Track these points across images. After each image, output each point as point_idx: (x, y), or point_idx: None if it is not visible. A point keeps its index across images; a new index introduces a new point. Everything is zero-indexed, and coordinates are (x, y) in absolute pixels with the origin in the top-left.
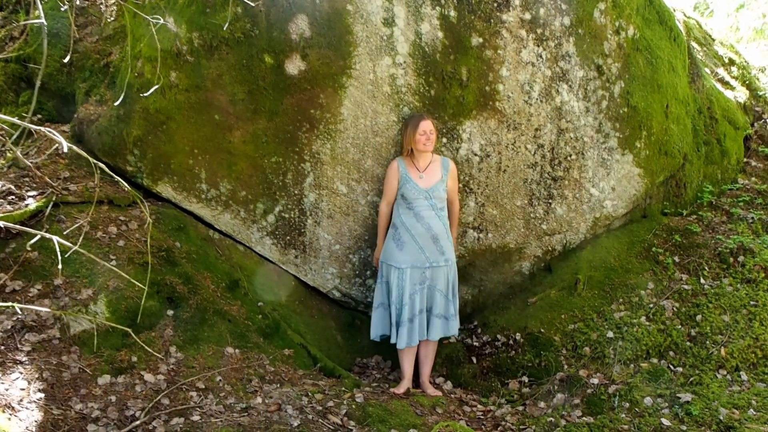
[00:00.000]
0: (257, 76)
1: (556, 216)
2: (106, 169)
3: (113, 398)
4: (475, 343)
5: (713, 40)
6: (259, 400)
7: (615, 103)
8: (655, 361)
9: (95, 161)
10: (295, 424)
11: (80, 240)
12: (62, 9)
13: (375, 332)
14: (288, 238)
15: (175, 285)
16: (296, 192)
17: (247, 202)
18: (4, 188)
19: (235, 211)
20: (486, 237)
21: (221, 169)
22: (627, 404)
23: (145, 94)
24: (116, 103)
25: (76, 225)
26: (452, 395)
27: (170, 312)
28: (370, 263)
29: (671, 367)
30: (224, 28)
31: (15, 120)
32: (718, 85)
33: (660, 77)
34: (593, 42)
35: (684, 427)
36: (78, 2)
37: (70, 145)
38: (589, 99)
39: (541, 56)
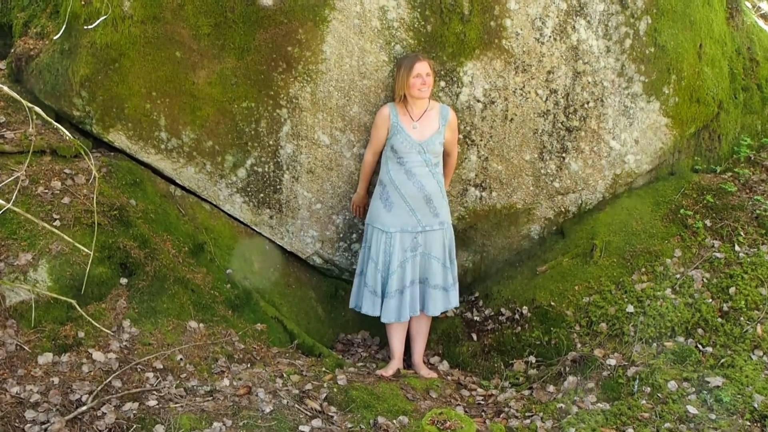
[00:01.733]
0: (225, 7)
1: (570, 172)
2: (42, 114)
3: (56, 380)
4: (475, 318)
5: None
6: (226, 382)
7: (640, 42)
8: (681, 339)
9: (29, 105)
10: (267, 410)
11: (15, 196)
12: None
13: (354, 301)
14: (261, 195)
15: (129, 249)
16: (271, 142)
17: (213, 153)
18: None
19: (200, 164)
20: (489, 196)
21: (183, 114)
22: (648, 389)
23: (91, 26)
24: (57, 37)
25: (12, 178)
26: (449, 377)
27: (123, 280)
28: (357, 225)
29: (699, 346)
30: None
31: None
32: (761, 22)
33: (693, 12)
34: None
35: (713, 416)
36: None
37: (1, 85)
38: (610, 37)
39: None
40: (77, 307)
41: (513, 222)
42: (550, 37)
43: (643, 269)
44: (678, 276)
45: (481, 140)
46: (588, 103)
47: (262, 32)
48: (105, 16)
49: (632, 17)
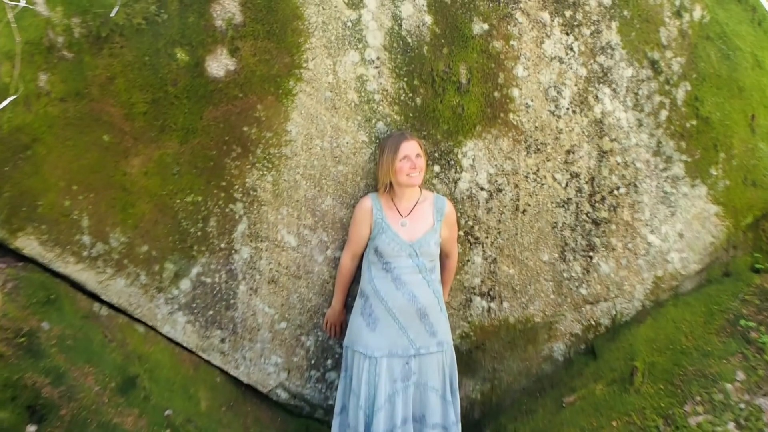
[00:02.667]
0: (166, 79)
1: (600, 275)
2: None
3: None
4: None
5: None
6: None
7: (678, 113)
8: None
9: None
10: None
11: None
12: None
13: None
14: (211, 313)
15: (39, 387)
16: (223, 245)
17: (150, 260)
18: None
19: (132, 275)
20: (500, 307)
21: (112, 213)
22: None
23: None
24: None
25: None
26: None
27: (32, 429)
28: (332, 348)
29: None
30: (115, 12)
31: None
32: None
33: (741, 76)
34: (645, 28)
35: None
36: None
37: None
38: (641, 108)
39: (572, 48)
40: None
41: (530, 340)
42: (568, 109)
43: (698, 398)
44: (742, 406)
45: (487, 237)
46: (618, 188)
47: (211, 109)
48: (15, 96)
49: (667, 84)
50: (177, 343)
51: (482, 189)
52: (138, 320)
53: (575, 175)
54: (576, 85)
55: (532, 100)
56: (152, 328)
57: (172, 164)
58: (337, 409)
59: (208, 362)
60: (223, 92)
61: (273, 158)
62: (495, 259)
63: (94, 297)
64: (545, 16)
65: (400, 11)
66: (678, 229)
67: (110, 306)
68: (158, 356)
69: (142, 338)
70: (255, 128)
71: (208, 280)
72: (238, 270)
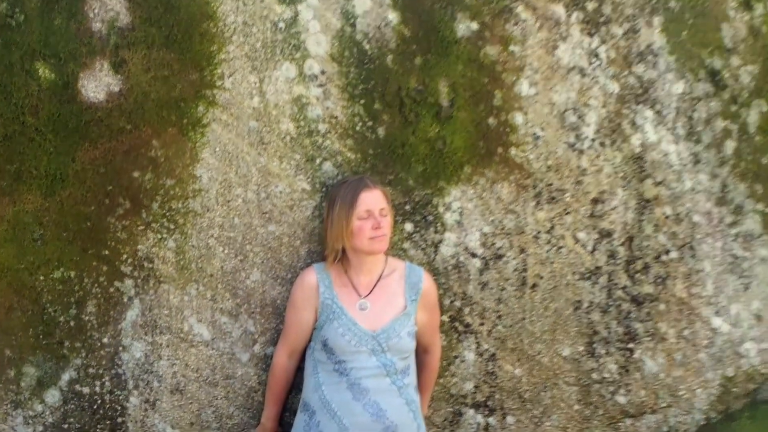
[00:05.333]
0: (22, 107)
1: (645, 377)
2: None
3: None
4: None
5: None
6: None
7: (751, 143)
8: None
9: None
10: None
11: None
12: None
13: None
14: None
15: None
16: (106, 341)
17: (2, 364)
18: None
19: None
20: (502, 424)
21: None
22: None
23: None
24: None
25: None
26: None
27: None
28: None
29: None
30: None
31: None
32: None
33: None
34: (701, 25)
35: None
36: None
37: None
38: (698, 138)
39: (597, 55)
40: None
41: None
42: (593, 140)
43: None
44: None
45: (483, 324)
46: (668, 252)
47: (87, 148)
48: None
49: (734, 103)
50: None
51: (474, 256)
52: None
53: (606, 234)
54: (605, 106)
55: (542, 129)
56: None
57: (33, 226)
58: None
59: None
60: (103, 123)
61: (176, 216)
62: (494, 354)
63: None
64: (558, 9)
65: (353, 6)
66: (754, 308)
67: None
68: None
69: None
70: (150, 173)
71: (86, 389)
72: (127, 375)
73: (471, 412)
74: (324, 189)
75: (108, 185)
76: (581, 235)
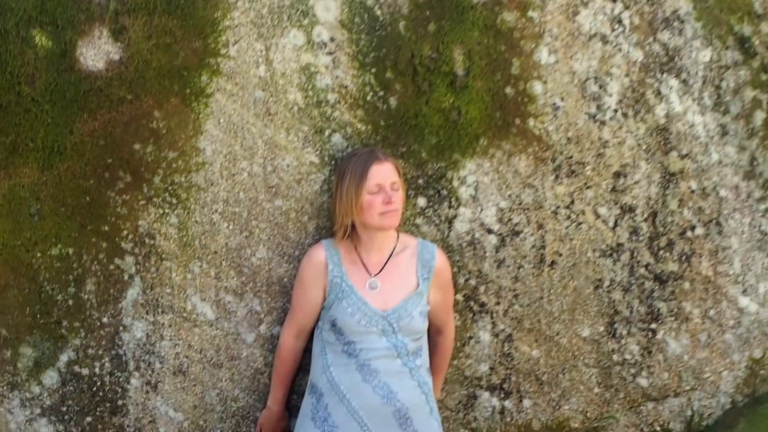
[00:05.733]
0: (18, 75)
1: (668, 358)
2: None
3: None
4: None
5: None
6: None
7: None
8: None
9: None
10: None
11: None
12: None
13: None
14: (89, 419)
15: None
16: (105, 320)
17: None
18: None
19: None
20: (519, 407)
21: None
22: None
23: None
24: None
25: None
26: None
27: None
28: None
29: None
30: None
31: None
32: None
33: None
34: None
35: None
36: None
37: None
38: (726, 108)
39: (620, 21)
40: None
41: None
42: (616, 111)
43: None
44: None
45: (499, 304)
46: (693, 228)
47: (87, 119)
48: None
49: (764, 71)
50: None
51: (490, 232)
52: None
53: (628, 210)
54: (628, 75)
55: (562, 99)
56: None
57: (29, 201)
58: None
59: None
60: (103, 93)
61: (178, 190)
62: (510, 335)
63: None
64: None
65: None
66: None
67: None
68: None
69: None
70: (151, 146)
71: (85, 371)
72: (128, 356)
73: (486, 395)
74: (333, 162)
75: (108, 158)
76: (602, 210)
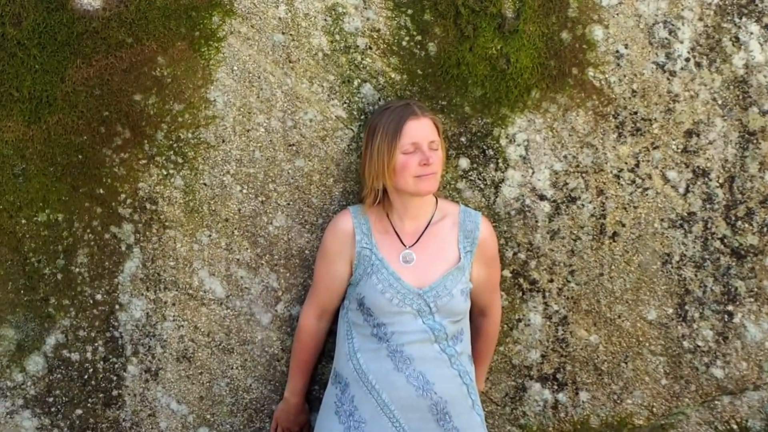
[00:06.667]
0: (1, 15)
1: (747, 346)
2: None
3: None
4: None
5: None
6: None
7: None
8: None
9: None
10: None
11: None
12: None
13: None
14: (80, 412)
15: None
16: (99, 297)
17: None
18: None
19: None
20: (574, 400)
21: None
22: None
23: None
24: None
25: None
26: None
27: None
28: None
29: None
30: None
31: None
32: None
33: None
34: None
35: None
36: None
37: None
38: None
39: None
40: None
41: None
42: (688, 60)
43: None
44: None
45: (552, 281)
46: None
47: (80, 65)
48: None
49: None
50: None
51: (542, 198)
52: None
53: (702, 174)
54: (701, 19)
55: (626, 46)
56: None
57: (13, 159)
58: None
59: None
60: (99, 36)
61: (185, 148)
62: (565, 317)
63: None
64: None
65: None
66: None
67: None
68: None
69: None
70: (154, 97)
71: (75, 356)
72: (125, 339)
73: (537, 386)
74: (362, 117)
75: (104, 110)
76: (672, 174)
